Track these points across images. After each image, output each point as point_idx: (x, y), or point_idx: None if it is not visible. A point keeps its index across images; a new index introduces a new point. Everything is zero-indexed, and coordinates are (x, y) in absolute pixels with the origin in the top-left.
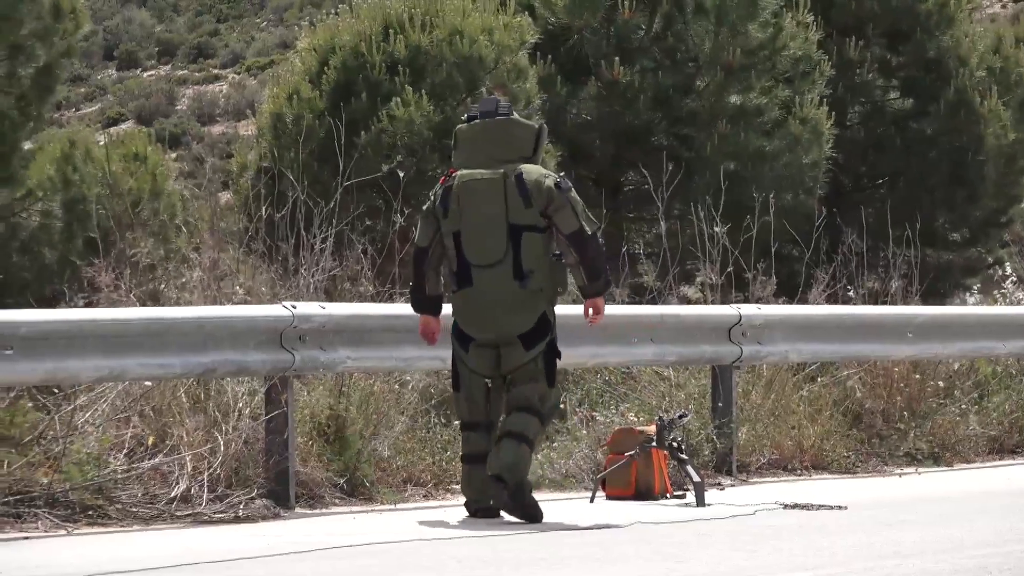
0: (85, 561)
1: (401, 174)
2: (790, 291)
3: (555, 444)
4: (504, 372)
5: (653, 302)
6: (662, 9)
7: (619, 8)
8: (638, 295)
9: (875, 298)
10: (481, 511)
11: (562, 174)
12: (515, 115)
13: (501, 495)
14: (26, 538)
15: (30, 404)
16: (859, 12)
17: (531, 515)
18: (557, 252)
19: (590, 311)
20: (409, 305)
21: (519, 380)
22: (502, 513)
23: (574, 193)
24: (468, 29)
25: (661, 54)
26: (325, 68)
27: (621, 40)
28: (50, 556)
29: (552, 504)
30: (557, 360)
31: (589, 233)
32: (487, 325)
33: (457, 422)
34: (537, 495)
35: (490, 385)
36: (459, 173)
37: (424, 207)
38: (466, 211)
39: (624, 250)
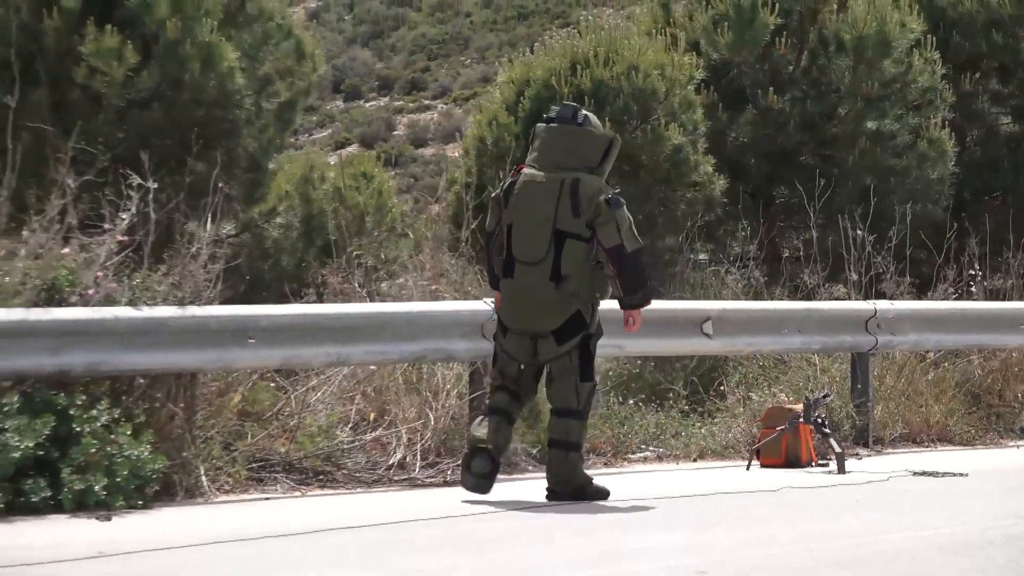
0: (317, 518)
1: None
2: (919, 289)
3: (716, 420)
4: (542, 361)
5: (807, 298)
6: (809, 46)
7: (773, 45)
8: (792, 293)
9: (995, 295)
10: (476, 453)
11: (617, 190)
12: (591, 126)
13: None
14: (267, 499)
15: (271, 385)
16: (973, 51)
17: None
18: (599, 260)
19: (630, 320)
20: None
21: (556, 374)
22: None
23: (624, 211)
24: (643, 65)
25: (808, 85)
26: (521, 98)
27: (774, 73)
28: (288, 514)
29: (713, 471)
30: (593, 356)
31: (629, 250)
32: (519, 317)
33: (633, 398)
34: (701, 463)
35: (523, 368)
36: (525, 171)
37: (493, 194)
38: (520, 208)
39: (785, 256)
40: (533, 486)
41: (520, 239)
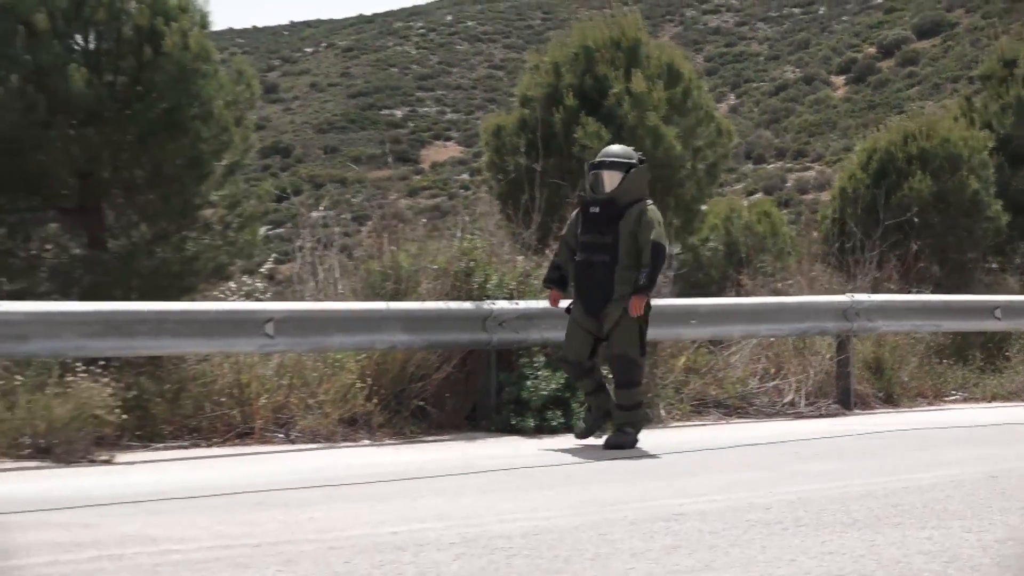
0: (737, 436)
1: (916, 220)
2: None
3: (1004, 374)
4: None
5: None
6: None
7: None
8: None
9: None
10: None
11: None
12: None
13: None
14: (703, 425)
15: (706, 350)
16: None
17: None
18: None
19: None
20: (920, 295)
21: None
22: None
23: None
24: (952, 138)
25: None
26: (870, 160)
27: None
28: (717, 435)
29: (1003, 409)
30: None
31: None
32: None
33: (946, 360)
34: (994, 403)
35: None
36: None
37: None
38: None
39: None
40: (877, 416)
41: None
